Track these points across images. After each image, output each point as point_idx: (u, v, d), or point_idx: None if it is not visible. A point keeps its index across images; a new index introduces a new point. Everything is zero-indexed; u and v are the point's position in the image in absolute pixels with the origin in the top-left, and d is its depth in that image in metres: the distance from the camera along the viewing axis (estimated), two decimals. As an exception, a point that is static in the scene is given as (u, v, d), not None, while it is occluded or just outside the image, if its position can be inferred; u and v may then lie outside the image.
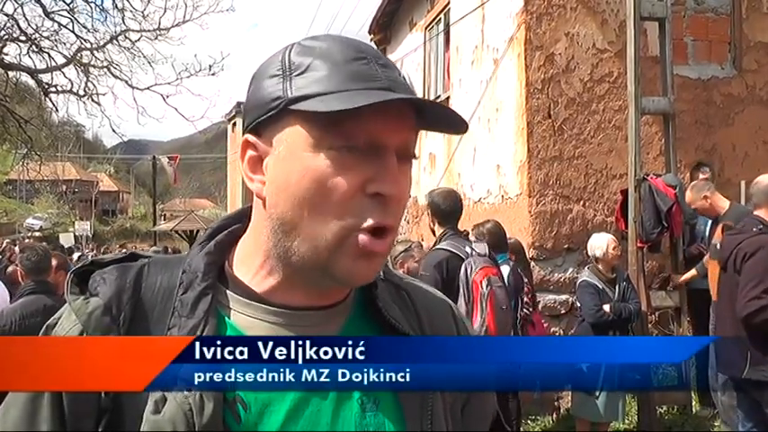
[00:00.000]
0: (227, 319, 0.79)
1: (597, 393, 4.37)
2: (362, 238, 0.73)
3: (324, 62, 0.73)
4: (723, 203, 4.73)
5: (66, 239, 20.66)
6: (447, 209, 3.76)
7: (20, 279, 3.87)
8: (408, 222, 9.75)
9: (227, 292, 0.80)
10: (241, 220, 0.86)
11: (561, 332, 5.83)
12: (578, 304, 4.70)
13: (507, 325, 3.56)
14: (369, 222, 0.73)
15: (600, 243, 4.62)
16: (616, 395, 4.52)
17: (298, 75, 0.74)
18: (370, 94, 0.71)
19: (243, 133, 0.80)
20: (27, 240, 17.31)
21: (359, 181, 0.72)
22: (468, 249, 3.56)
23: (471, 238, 3.96)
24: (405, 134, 0.75)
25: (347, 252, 0.73)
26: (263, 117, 0.75)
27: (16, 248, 12.44)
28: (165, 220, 33.08)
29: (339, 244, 0.73)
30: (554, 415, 5.57)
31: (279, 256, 0.77)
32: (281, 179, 0.74)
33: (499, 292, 3.45)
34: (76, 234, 24.47)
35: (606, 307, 4.40)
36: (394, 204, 0.74)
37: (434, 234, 3.85)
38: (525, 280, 4.52)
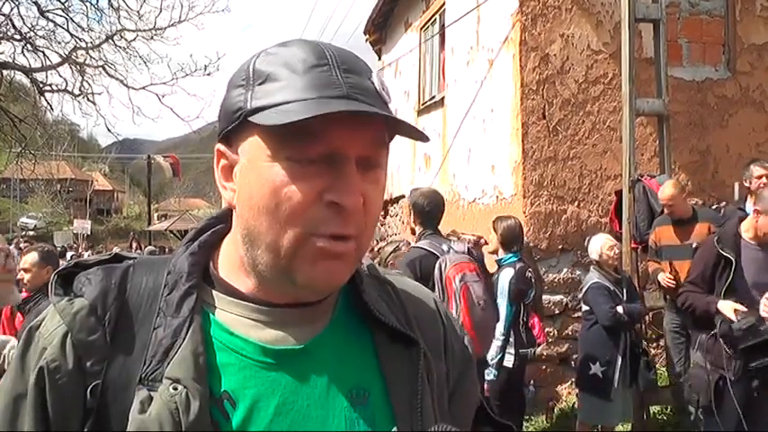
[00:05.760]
0: (211, 316, 0.79)
1: (611, 397, 4.34)
2: (320, 241, 0.73)
3: (284, 70, 0.74)
4: (690, 206, 4.96)
5: (61, 238, 20.52)
6: (430, 210, 3.73)
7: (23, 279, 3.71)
8: (403, 223, 9.75)
9: (213, 291, 0.81)
10: (225, 220, 0.86)
11: (555, 332, 5.84)
12: (585, 307, 4.61)
13: (487, 320, 3.52)
14: (326, 230, 0.73)
15: (596, 246, 4.59)
16: (627, 397, 4.50)
17: (259, 84, 0.74)
18: (324, 103, 0.70)
19: (218, 139, 0.80)
20: (23, 240, 17.22)
21: (315, 190, 0.72)
22: (444, 247, 3.54)
23: (453, 238, 3.94)
24: (366, 143, 0.74)
25: (305, 257, 0.73)
26: (229, 128, 0.76)
27: (11, 248, 12.36)
28: (159, 219, 33.02)
29: (297, 250, 0.73)
30: (548, 415, 5.58)
31: (249, 264, 0.78)
32: (245, 189, 0.75)
33: (475, 287, 3.42)
34: (75, 233, 24.37)
35: (620, 308, 4.35)
36: (353, 214, 0.73)
37: (413, 234, 3.83)
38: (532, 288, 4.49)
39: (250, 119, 0.73)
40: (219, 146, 0.79)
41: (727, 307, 3.36)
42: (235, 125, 0.75)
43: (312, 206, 0.72)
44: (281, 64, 0.75)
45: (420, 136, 0.77)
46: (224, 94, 0.79)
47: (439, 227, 3.78)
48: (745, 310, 3.30)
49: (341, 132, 0.71)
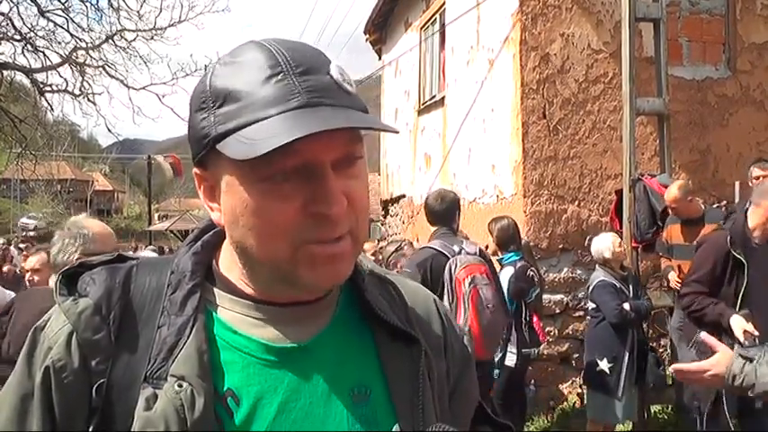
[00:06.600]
0: (215, 314, 0.80)
1: (620, 394, 4.35)
2: (314, 248, 0.73)
3: (240, 87, 0.72)
4: (701, 207, 4.91)
5: None
6: (439, 209, 3.76)
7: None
8: (404, 222, 9.75)
9: (215, 289, 0.81)
10: None
11: (556, 332, 5.85)
12: (592, 305, 4.64)
13: (495, 324, 3.52)
14: (316, 237, 0.73)
15: (606, 244, 4.59)
16: (632, 395, 4.50)
17: (219, 106, 0.73)
18: (287, 119, 0.69)
19: (193, 163, 0.81)
20: (21, 241, 17.22)
21: (296, 205, 0.72)
22: (456, 248, 3.54)
23: (461, 238, 3.95)
24: (338, 145, 0.73)
25: (304, 263, 0.74)
26: (201, 154, 0.76)
27: (12, 248, 12.36)
28: (160, 219, 33.01)
29: (293, 259, 0.73)
30: (548, 415, 5.58)
31: (250, 274, 0.79)
32: (229, 212, 0.76)
33: (485, 291, 3.42)
34: None
35: (626, 305, 4.37)
36: (340, 218, 0.73)
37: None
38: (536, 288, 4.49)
39: (217, 147, 0.73)
40: (197, 170, 0.80)
41: (738, 325, 3.12)
42: (206, 151, 0.75)
43: (296, 219, 0.72)
44: (236, 79, 0.73)
45: (390, 130, 0.79)
46: (189, 116, 0.78)
47: (454, 226, 3.78)
48: (756, 334, 3.04)
49: (310, 143, 0.69)
